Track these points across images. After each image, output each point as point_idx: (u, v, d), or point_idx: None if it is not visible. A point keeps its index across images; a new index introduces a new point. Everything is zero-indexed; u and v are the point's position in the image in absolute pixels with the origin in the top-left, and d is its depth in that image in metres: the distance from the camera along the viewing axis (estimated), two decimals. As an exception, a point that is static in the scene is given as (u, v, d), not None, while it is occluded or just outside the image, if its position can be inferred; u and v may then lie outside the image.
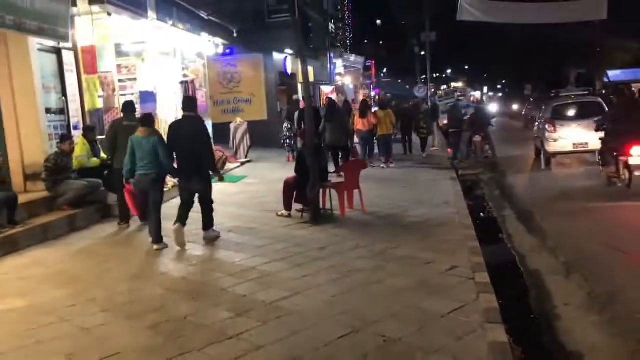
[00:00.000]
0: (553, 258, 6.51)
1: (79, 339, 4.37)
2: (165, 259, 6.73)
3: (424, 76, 37.61)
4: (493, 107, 33.63)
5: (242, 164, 15.56)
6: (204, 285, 5.63)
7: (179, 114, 14.03)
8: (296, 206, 8.79)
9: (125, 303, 5.14)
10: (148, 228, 7.45)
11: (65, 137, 8.79)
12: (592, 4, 15.63)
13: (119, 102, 11.07)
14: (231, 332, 4.32)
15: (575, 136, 13.29)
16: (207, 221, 7.49)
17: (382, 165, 14.63)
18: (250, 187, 12.08)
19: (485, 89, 77.41)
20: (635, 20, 31.49)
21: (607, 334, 4.44)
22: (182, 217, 7.19)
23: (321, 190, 8.67)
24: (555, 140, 13.50)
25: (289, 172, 10.00)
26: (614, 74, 41.68)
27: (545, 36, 37.16)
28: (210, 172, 7.62)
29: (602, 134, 10.57)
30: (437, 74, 66.33)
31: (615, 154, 9.56)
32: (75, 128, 10.17)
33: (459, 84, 75.36)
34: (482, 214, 9.55)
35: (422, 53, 37.44)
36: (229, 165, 14.68)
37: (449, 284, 5.25)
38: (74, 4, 9.61)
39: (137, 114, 9.19)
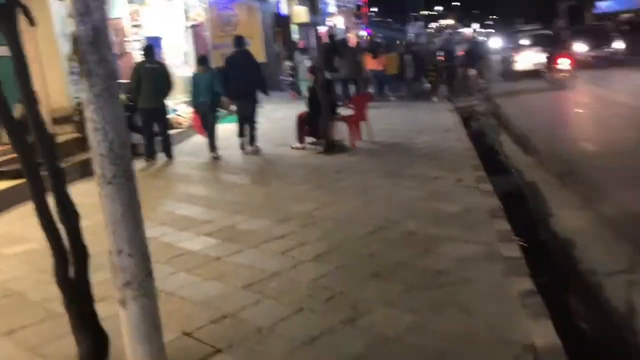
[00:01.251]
0: (547, 171, 7.29)
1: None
2: (196, 185, 7.45)
3: (415, 14, 37.49)
4: (495, 42, 32.46)
5: (245, 105, 16.07)
6: (241, 203, 6.37)
7: (189, 58, 14.55)
8: (309, 139, 9.48)
9: (176, 219, 5.89)
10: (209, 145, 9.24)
11: None
12: None
13: (131, 47, 11.57)
14: (277, 234, 5.11)
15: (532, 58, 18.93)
16: (253, 137, 9.49)
17: (391, 99, 15.86)
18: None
19: (477, 26, 76.97)
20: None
21: (595, 224, 5.25)
22: (241, 131, 9.42)
23: (331, 123, 9.34)
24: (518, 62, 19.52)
25: (291, 110, 10.77)
26: (606, 4, 41.61)
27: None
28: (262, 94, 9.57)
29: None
30: (428, 12, 65.76)
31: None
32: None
33: (449, 21, 74.74)
34: (480, 139, 10.28)
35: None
36: (231, 107, 15.22)
37: (457, 192, 6.04)
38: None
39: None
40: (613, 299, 3.89)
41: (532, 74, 18.18)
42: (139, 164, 9.05)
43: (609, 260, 4.44)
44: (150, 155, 9.12)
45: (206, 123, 9.29)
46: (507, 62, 20.78)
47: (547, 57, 17.11)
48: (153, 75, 8.84)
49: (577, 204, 5.88)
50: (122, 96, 9.68)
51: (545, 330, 3.15)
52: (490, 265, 4.07)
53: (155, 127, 9.28)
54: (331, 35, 19.22)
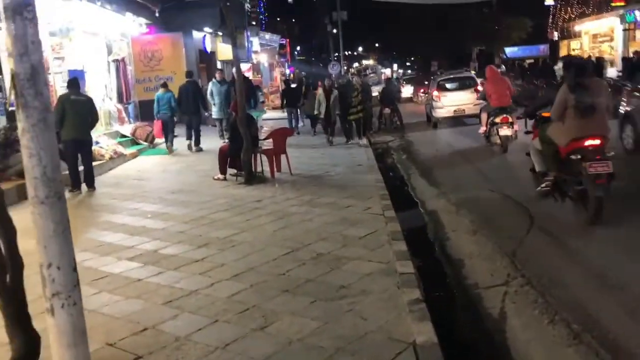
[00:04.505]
0: (446, 201, 8.04)
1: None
2: (119, 215, 7.66)
3: (337, 54, 38.94)
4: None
5: (170, 138, 16.27)
6: (163, 231, 6.67)
7: (110, 91, 14.67)
8: (230, 171, 9.89)
9: (98, 246, 6.12)
10: (168, 142, 13.59)
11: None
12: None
13: (54, 80, 11.64)
14: (197, 257, 5.47)
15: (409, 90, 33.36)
16: (197, 140, 13.69)
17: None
18: (182, 157, 13.00)
19: (395, 66, 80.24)
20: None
21: (481, 246, 5.94)
22: (189, 136, 13.71)
23: (252, 155, 9.81)
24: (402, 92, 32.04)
25: (213, 143, 11.25)
26: (511, 51, 45.02)
27: (449, 15, 39.74)
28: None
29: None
30: (349, 52, 68.11)
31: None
32: (12, 105, 10.69)
33: (370, 62, 77.54)
34: (391, 173, 11.04)
35: (335, 31, 38.67)
36: (157, 140, 15.40)
37: (364, 219, 6.63)
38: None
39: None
40: (488, 307, 4.53)
41: (408, 99, 31.46)
42: (59, 195, 9.13)
43: (489, 275, 5.09)
44: (75, 186, 9.21)
45: (166, 128, 13.45)
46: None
47: (413, 89, 32.52)
48: (78, 107, 9.04)
49: (467, 228, 6.59)
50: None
51: (426, 330, 3.70)
52: (387, 279, 4.62)
53: (79, 159, 9.41)
54: (287, 80, 23.44)
